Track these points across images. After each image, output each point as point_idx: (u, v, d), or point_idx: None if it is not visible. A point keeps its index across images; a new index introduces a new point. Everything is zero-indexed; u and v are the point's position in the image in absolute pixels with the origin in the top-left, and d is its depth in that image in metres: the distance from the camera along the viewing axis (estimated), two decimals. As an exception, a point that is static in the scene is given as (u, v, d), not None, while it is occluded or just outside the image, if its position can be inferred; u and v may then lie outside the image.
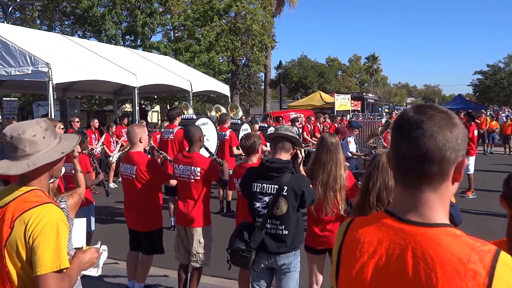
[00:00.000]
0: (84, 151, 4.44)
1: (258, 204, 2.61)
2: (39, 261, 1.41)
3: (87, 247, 1.88)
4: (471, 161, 7.57)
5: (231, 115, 7.38)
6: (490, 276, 0.80)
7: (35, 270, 1.42)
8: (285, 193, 2.54)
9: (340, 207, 2.94)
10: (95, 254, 1.77)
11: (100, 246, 1.91)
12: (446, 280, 0.81)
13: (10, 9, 14.32)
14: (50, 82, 7.52)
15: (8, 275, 1.47)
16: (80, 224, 2.64)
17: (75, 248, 2.03)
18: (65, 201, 2.42)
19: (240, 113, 8.07)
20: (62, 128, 5.27)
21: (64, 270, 1.46)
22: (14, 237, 1.45)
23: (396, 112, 19.12)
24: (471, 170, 7.66)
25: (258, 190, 2.61)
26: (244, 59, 27.28)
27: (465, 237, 0.86)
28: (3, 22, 13.59)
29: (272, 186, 2.57)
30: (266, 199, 2.59)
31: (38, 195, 1.53)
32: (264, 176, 2.61)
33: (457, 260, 0.82)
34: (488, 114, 18.39)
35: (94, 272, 1.89)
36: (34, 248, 1.42)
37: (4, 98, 14.23)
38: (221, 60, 20.32)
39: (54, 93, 7.67)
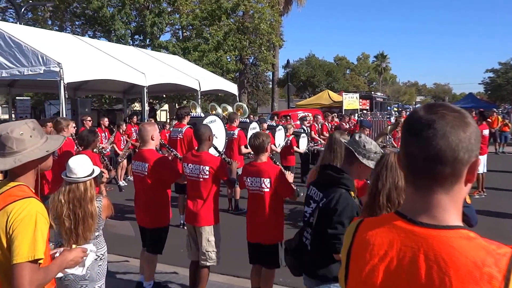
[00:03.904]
0: (94, 150, 4.52)
1: (306, 209, 2.41)
2: (15, 251, 1.51)
3: (75, 246, 2.00)
4: (482, 161, 7.47)
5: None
6: (506, 280, 0.77)
7: (12, 259, 1.51)
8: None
9: None
10: (81, 253, 1.88)
11: (88, 247, 2.02)
12: (461, 284, 0.78)
13: (22, 10, 14.54)
14: (62, 81, 7.62)
15: None
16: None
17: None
18: (100, 200, 2.50)
19: (247, 112, 8.11)
20: (74, 127, 5.35)
21: (40, 261, 1.55)
22: None
23: (406, 111, 18.96)
24: (481, 169, 7.56)
25: (311, 194, 2.40)
26: (252, 58, 27.25)
27: (480, 239, 0.84)
28: (16, 23, 13.80)
29: (320, 193, 2.29)
30: (313, 206, 2.35)
31: (22, 190, 1.63)
32: (319, 181, 2.36)
33: (471, 264, 0.79)
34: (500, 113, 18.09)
35: (79, 271, 2.00)
36: (13, 238, 1.52)
37: (17, 98, 14.46)
38: (229, 59, 20.33)
39: (66, 92, 7.78)
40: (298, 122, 10.86)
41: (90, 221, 2.31)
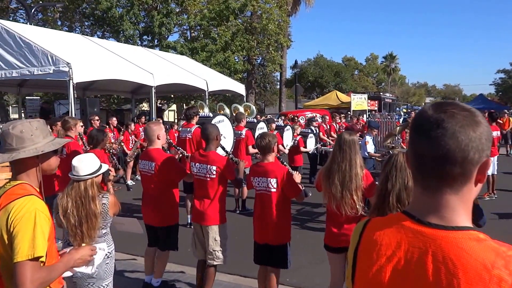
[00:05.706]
0: (105, 148, 4.58)
1: None
2: (16, 249, 1.50)
3: (85, 245, 1.98)
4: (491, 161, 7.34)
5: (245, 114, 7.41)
6: None
7: (13, 257, 1.51)
8: None
9: (358, 207, 2.92)
10: (89, 252, 1.86)
11: (98, 245, 2.01)
12: (469, 286, 0.77)
13: (33, 11, 14.74)
14: (71, 81, 7.71)
15: None
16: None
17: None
18: (107, 197, 2.51)
19: (254, 112, 8.12)
20: (82, 126, 5.39)
21: (42, 259, 1.54)
22: None
23: (415, 112, 18.77)
24: (490, 171, 7.42)
25: None
26: (260, 58, 27.24)
27: (490, 241, 0.82)
28: (26, 23, 13.99)
29: None
30: None
31: (24, 188, 1.64)
32: None
33: (480, 266, 0.78)
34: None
35: (88, 269, 1.97)
36: (14, 236, 1.53)
37: (27, 97, 14.65)
38: (236, 60, 20.36)
39: (75, 92, 7.86)
40: (306, 123, 10.80)
41: (93, 219, 2.31)
